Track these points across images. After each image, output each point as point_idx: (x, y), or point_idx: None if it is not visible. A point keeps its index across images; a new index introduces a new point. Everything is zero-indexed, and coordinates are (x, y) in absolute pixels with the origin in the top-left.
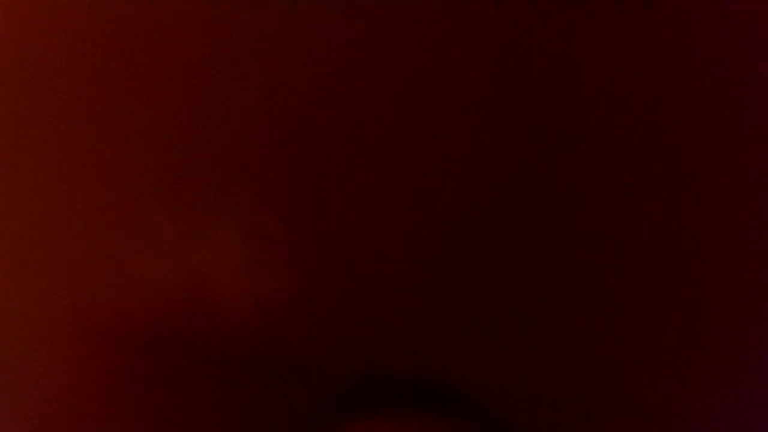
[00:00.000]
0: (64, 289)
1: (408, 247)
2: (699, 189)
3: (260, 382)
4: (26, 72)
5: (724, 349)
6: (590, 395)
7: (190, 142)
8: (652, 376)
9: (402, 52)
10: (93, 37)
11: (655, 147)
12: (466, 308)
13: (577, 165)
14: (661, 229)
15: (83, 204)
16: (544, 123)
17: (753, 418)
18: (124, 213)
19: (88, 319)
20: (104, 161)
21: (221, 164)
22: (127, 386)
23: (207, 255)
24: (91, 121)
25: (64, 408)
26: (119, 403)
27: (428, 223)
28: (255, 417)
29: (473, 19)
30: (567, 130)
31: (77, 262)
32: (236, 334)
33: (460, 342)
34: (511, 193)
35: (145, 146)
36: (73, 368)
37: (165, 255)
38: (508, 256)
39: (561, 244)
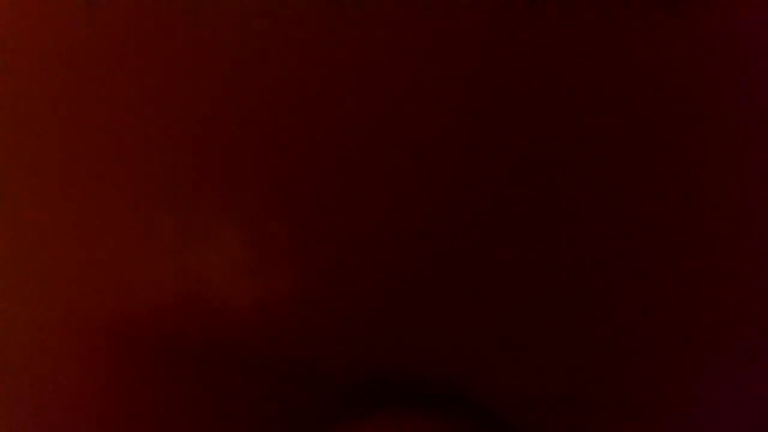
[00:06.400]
0: (65, 289)
1: (408, 247)
2: (700, 190)
3: (260, 382)
4: (27, 71)
5: (725, 349)
6: (590, 396)
7: (191, 142)
8: (652, 376)
9: (401, 54)
10: (96, 37)
11: (658, 149)
12: (466, 308)
13: (581, 167)
14: (664, 230)
15: (84, 204)
16: (546, 124)
17: (753, 418)
18: (125, 213)
19: (89, 319)
20: (105, 161)
21: (222, 164)
22: (127, 386)
23: (208, 255)
24: (92, 121)
25: (65, 408)
26: (120, 402)
27: (428, 223)
28: (255, 417)
29: (480, 20)
30: (570, 132)
31: (78, 262)
32: (237, 334)
33: (460, 342)
34: (512, 193)
35: (146, 146)
36: (74, 368)
37: (166, 255)
38: (509, 255)
39: (562, 244)
